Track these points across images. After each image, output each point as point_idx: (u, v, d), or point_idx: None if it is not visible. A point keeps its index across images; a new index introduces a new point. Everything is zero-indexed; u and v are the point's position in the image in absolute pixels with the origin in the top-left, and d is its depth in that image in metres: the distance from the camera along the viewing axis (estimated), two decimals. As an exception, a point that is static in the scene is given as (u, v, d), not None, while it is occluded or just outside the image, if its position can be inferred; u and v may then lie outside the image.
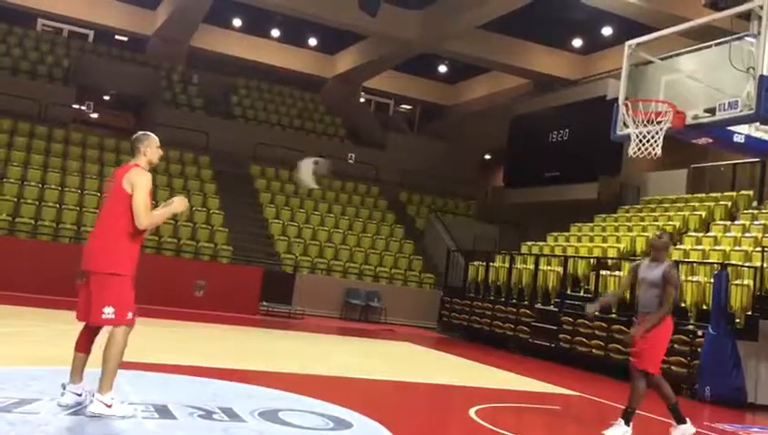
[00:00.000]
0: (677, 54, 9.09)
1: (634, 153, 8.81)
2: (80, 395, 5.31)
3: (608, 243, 15.88)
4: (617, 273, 13.31)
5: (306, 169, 5.31)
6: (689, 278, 11.84)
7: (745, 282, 11.29)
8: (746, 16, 8.20)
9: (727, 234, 14.28)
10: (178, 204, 5.44)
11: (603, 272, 13.55)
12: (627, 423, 6.77)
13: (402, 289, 19.93)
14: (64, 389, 5.31)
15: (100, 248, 5.22)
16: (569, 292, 14.41)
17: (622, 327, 12.21)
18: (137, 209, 5.18)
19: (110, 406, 5.09)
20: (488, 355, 13.82)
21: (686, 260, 12.73)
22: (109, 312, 5.11)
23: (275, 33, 28.18)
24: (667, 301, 6.75)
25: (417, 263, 21.13)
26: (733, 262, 12.16)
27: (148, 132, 5.58)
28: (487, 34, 23.62)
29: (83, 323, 5.37)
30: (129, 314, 5.19)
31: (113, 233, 5.21)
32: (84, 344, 5.37)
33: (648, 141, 8.59)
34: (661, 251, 7.04)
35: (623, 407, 6.90)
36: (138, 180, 5.25)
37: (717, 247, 13.40)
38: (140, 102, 25.04)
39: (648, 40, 9.36)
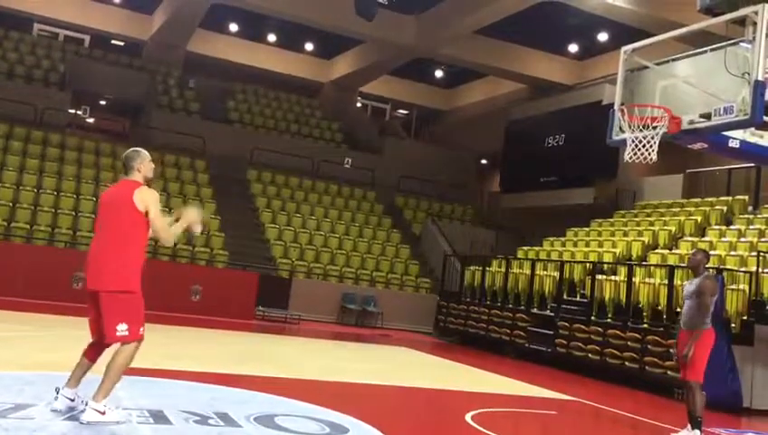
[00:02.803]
0: (673, 60, 9.12)
1: (630, 158, 8.82)
2: (72, 401, 5.30)
3: (604, 248, 15.90)
4: (613, 277, 13.33)
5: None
6: (685, 283, 11.84)
7: (741, 287, 11.32)
8: (741, 22, 8.23)
9: (723, 239, 14.32)
10: (191, 214, 5.53)
11: (599, 277, 13.57)
12: (699, 429, 7.22)
13: (399, 294, 19.91)
14: (58, 393, 5.30)
15: (110, 267, 5.19)
16: (565, 297, 14.42)
17: (618, 332, 12.22)
18: (159, 230, 5.31)
19: (103, 413, 5.07)
20: (484, 360, 13.82)
21: (682, 265, 12.73)
22: (122, 329, 5.11)
23: (272, 37, 28.20)
24: (698, 311, 7.08)
25: (413, 267, 21.12)
26: (728, 267, 12.20)
27: (138, 148, 5.60)
28: (484, 39, 23.66)
29: (89, 322, 5.37)
30: (141, 330, 5.21)
31: (125, 252, 5.21)
32: (93, 353, 5.38)
33: (643, 146, 8.61)
34: (696, 267, 7.38)
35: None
36: (151, 199, 5.31)
37: (713, 252, 13.41)
38: (137, 107, 25.03)
39: (644, 45, 9.38)
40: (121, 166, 5.64)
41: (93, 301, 5.23)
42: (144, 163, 5.49)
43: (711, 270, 11.51)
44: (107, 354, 5.29)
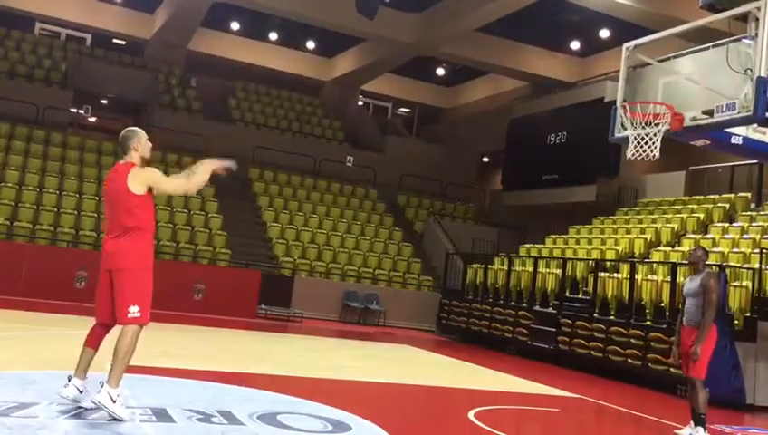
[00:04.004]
0: (675, 56, 9.11)
1: (632, 155, 8.82)
2: (80, 392, 5.34)
3: (606, 245, 15.89)
4: (615, 275, 13.32)
5: None
6: (685, 280, 11.82)
7: (744, 283, 11.30)
8: (744, 18, 8.22)
9: (725, 236, 14.30)
10: (212, 163, 5.66)
11: (602, 274, 13.56)
12: (703, 426, 7.19)
13: (401, 292, 19.91)
14: (69, 381, 5.34)
15: (125, 247, 5.26)
16: (567, 294, 14.41)
17: (621, 329, 12.21)
18: (174, 190, 5.59)
19: (114, 402, 5.10)
20: (487, 358, 13.82)
21: (685, 262, 12.71)
22: (134, 311, 5.20)
23: (273, 36, 28.19)
24: (708, 309, 7.07)
25: (415, 265, 21.12)
26: (731, 264, 12.18)
27: (134, 128, 5.61)
28: (485, 37, 23.64)
29: (93, 322, 5.44)
30: (148, 314, 5.29)
31: (136, 234, 5.29)
32: (95, 340, 5.43)
33: (646, 143, 8.61)
34: (697, 264, 7.42)
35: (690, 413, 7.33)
36: (147, 176, 5.34)
37: (716, 249, 13.41)
38: (138, 106, 25.04)
39: (646, 42, 9.38)
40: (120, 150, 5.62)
41: (108, 280, 5.30)
42: (141, 142, 5.51)
43: (714, 267, 11.51)
44: (107, 345, 5.32)
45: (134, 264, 5.26)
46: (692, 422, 7.32)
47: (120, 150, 5.57)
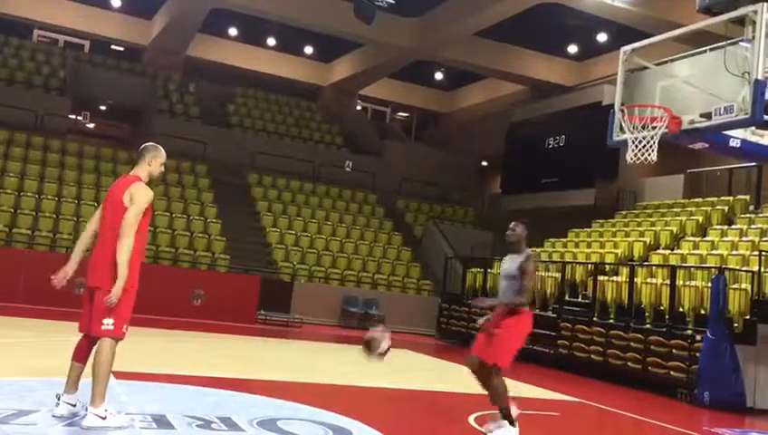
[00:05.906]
0: (672, 60, 9.14)
1: (631, 159, 8.83)
2: (74, 406, 5.31)
3: (605, 248, 15.89)
4: (615, 278, 13.32)
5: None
6: (687, 283, 11.85)
7: (743, 286, 11.30)
8: (740, 22, 8.24)
9: (724, 238, 14.30)
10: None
11: (601, 277, 13.55)
12: (512, 423, 6.49)
13: (400, 296, 19.90)
14: (59, 399, 5.31)
15: (106, 264, 5.19)
16: (567, 298, 14.40)
17: (621, 333, 12.21)
18: (124, 223, 5.14)
19: (104, 418, 5.07)
20: (487, 362, 13.77)
21: (684, 265, 12.73)
22: (108, 323, 5.14)
23: (271, 41, 28.21)
24: (523, 292, 6.47)
25: (414, 270, 21.12)
26: (730, 266, 12.18)
27: (159, 146, 5.59)
28: (483, 42, 23.67)
29: (82, 333, 5.39)
30: (125, 328, 5.22)
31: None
32: (82, 354, 5.38)
33: (644, 147, 8.62)
34: (516, 244, 6.68)
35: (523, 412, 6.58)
36: (137, 194, 5.25)
37: (715, 252, 13.41)
38: (137, 112, 25.05)
39: (643, 46, 9.40)
40: (129, 163, 5.61)
41: (90, 294, 5.28)
42: (155, 160, 5.50)
43: (714, 270, 11.51)
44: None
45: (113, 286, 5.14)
46: (502, 421, 6.56)
47: (136, 159, 5.56)
